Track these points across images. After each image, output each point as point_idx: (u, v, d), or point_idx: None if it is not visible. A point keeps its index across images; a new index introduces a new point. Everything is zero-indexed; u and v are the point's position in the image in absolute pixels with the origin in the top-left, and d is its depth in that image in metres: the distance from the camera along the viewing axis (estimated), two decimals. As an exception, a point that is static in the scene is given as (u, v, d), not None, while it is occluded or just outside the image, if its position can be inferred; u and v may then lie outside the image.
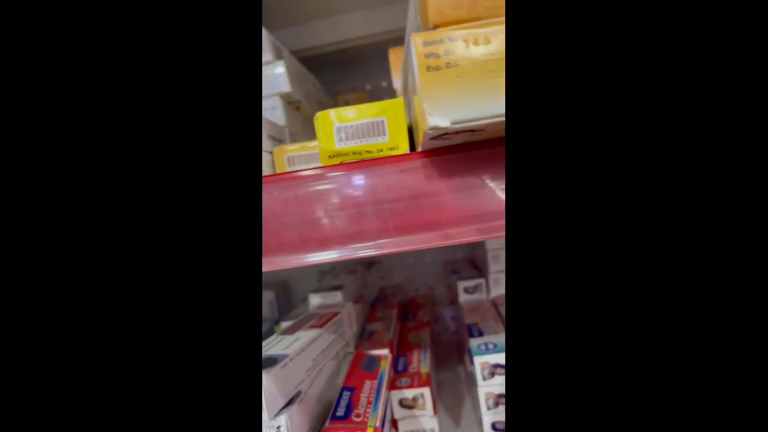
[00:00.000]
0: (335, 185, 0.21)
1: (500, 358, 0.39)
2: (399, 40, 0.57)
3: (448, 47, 0.15)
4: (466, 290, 0.57)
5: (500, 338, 0.42)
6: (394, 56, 0.38)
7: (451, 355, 0.64)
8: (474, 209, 0.20)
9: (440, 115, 0.16)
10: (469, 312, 0.52)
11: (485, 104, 0.15)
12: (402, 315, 0.63)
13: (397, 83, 0.37)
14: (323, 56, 0.61)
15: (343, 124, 0.23)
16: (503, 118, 0.16)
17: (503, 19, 0.15)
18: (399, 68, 0.37)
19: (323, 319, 0.40)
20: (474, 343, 0.42)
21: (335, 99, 0.61)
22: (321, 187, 0.22)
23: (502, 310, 0.51)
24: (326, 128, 0.23)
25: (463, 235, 0.20)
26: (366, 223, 0.21)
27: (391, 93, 0.66)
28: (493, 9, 0.16)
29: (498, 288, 0.56)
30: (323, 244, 0.21)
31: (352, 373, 0.38)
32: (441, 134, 0.17)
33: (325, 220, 0.21)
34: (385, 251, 0.21)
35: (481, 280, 0.56)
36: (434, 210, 0.21)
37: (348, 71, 0.66)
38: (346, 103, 0.61)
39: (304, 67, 0.47)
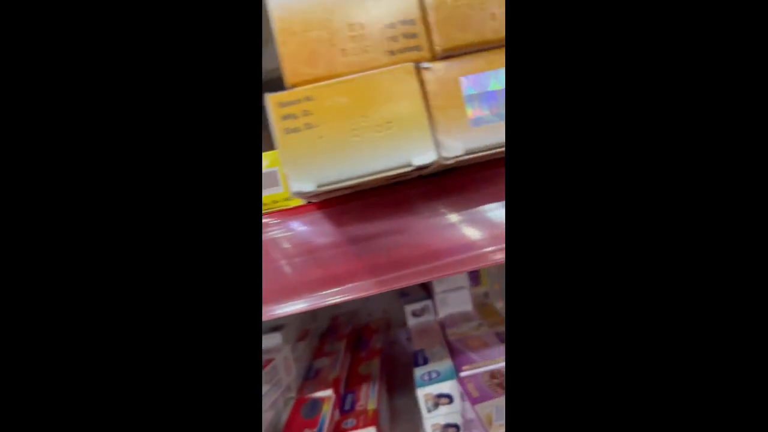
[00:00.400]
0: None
1: (444, 387, 0.38)
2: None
3: (306, 107, 0.15)
4: (414, 313, 0.56)
5: (444, 365, 0.41)
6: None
7: (408, 379, 0.63)
8: (370, 261, 0.20)
9: (304, 179, 0.14)
10: (417, 336, 0.52)
11: (351, 164, 0.15)
12: (354, 344, 0.61)
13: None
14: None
15: (233, 177, 0.22)
16: (372, 177, 0.15)
17: (363, 74, 0.15)
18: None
19: (255, 368, 0.37)
20: (418, 372, 0.41)
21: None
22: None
23: (449, 331, 0.51)
24: (215, 183, 0.22)
25: (362, 289, 0.19)
26: (265, 284, 0.20)
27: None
28: (351, 65, 0.15)
29: (445, 308, 0.56)
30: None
31: (290, 424, 0.36)
32: (312, 195, 0.16)
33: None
34: (278, 313, 0.19)
35: (428, 302, 0.56)
36: (331, 264, 0.20)
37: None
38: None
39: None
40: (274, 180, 0.22)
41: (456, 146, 0.15)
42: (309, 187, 0.14)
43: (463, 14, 0.15)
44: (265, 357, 0.40)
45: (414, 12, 0.15)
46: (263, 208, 0.22)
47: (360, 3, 0.15)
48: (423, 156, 0.15)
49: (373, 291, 0.19)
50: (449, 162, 0.15)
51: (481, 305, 0.58)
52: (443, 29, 0.15)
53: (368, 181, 0.15)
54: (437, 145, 0.15)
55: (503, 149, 0.16)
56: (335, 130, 0.14)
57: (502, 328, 0.48)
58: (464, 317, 0.54)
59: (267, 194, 0.22)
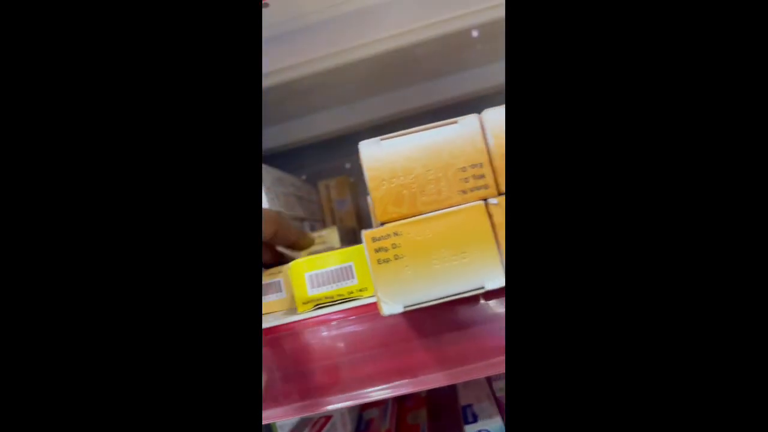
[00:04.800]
0: (304, 339, 0.23)
1: (496, 448, 0.39)
2: (370, 131, 0.61)
3: (395, 241, 0.18)
4: (459, 364, 0.57)
5: (494, 424, 0.42)
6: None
7: (454, 428, 0.63)
8: (443, 354, 0.22)
9: (393, 302, 0.17)
10: (464, 389, 0.52)
11: (432, 288, 0.17)
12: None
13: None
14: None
15: (314, 272, 0.25)
16: (450, 298, 0.17)
17: (441, 212, 0.18)
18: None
19: (317, 426, 0.40)
20: (469, 431, 0.42)
21: (317, 185, 0.64)
22: (290, 343, 0.23)
23: (497, 385, 0.51)
24: (299, 277, 0.25)
25: (435, 381, 0.22)
26: (338, 374, 0.22)
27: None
28: (430, 204, 0.18)
29: (490, 359, 0.56)
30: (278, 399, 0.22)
31: (349, 481, 0.38)
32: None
33: (292, 374, 0.23)
34: (356, 402, 0.22)
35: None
36: (404, 356, 0.22)
37: (327, 151, 0.70)
38: (327, 189, 0.64)
39: (279, 171, 0.50)
40: (351, 273, 0.25)
41: (521, 269, 0.18)
42: (398, 309, 0.17)
43: (524, 160, 0.18)
44: (322, 414, 0.43)
45: (482, 157, 0.18)
46: (341, 298, 0.25)
47: (436, 153, 0.18)
48: (495, 281, 0.18)
49: (446, 382, 0.22)
50: (515, 282, 0.18)
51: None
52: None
53: (441, 301, 0.18)
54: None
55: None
56: (419, 261, 0.17)
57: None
58: (510, 370, 0.54)
59: (344, 287, 0.25)
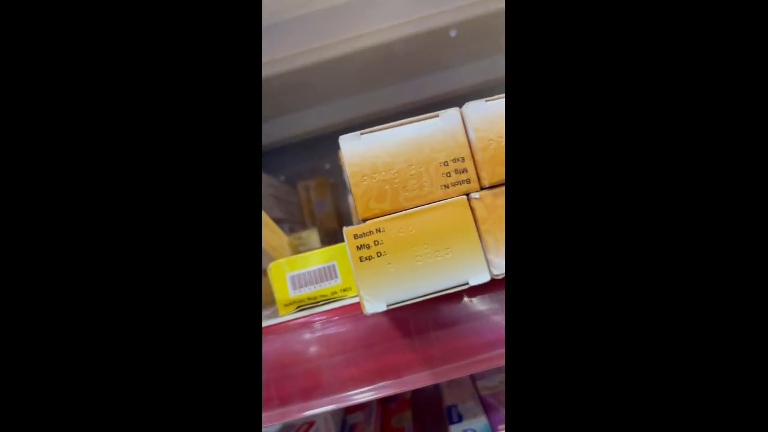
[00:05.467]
0: (286, 342, 0.22)
1: (481, 446, 0.39)
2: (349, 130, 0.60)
3: (377, 238, 0.17)
4: (443, 364, 0.57)
5: (479, 423, 0.42)
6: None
7: (439, 429, 0.63)
8: (427, 352, 0.22)
9: (377, 300, 0.17)
10: (448, 389, 0.52)
11: (416, 286, 0.17)
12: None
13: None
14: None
15: (295, 272, 0.24)
16: (434, 295, 0.17)
17: (423, 207, 0.17)
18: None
19: (299, 432, 0.39)
20: (454, 431, 0.42)
21: (296, 186, 0.63)
22: (275, 344, 0.22)
23: (481, 384, 0.51)
24: (279, 278, 0.24)
25: (419, 381, 0.21)
26: (321, 377, 0.22)
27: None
28: (412, 199, 0.18)
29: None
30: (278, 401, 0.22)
31: (334, 487, 0.37)
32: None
33: (285, 376, 0.22)
34: (339, 405, 0.21)
35: (457, 352, 0.57)
36: (388, 356, 0.22)
37: (306, 152, 0.69)
38: (306, 190, 0.63)
39: (260, 172, 0.49)
40: (334, 272, 0.25)
41: (504, 264, 0.18)
42: (381, 307, 0.17)
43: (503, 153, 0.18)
44: (304, 420, 0.42)
45: (463, 151, 0.18)
46: (324, 299, 0.25)
47: (418, 147, 0.18)
48: (478, 276, 0.17)
49: (430, 381, 0.21)
50: (499, 278, 0.18)
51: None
52: (489, 166, 0.18)
53: (425, 299, 0.17)
54: (488, 264, 0.18)
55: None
56: (402, 257, 0.17)
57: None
58: (497, 368, 0.54)
59: (327, 287, 0.25)
